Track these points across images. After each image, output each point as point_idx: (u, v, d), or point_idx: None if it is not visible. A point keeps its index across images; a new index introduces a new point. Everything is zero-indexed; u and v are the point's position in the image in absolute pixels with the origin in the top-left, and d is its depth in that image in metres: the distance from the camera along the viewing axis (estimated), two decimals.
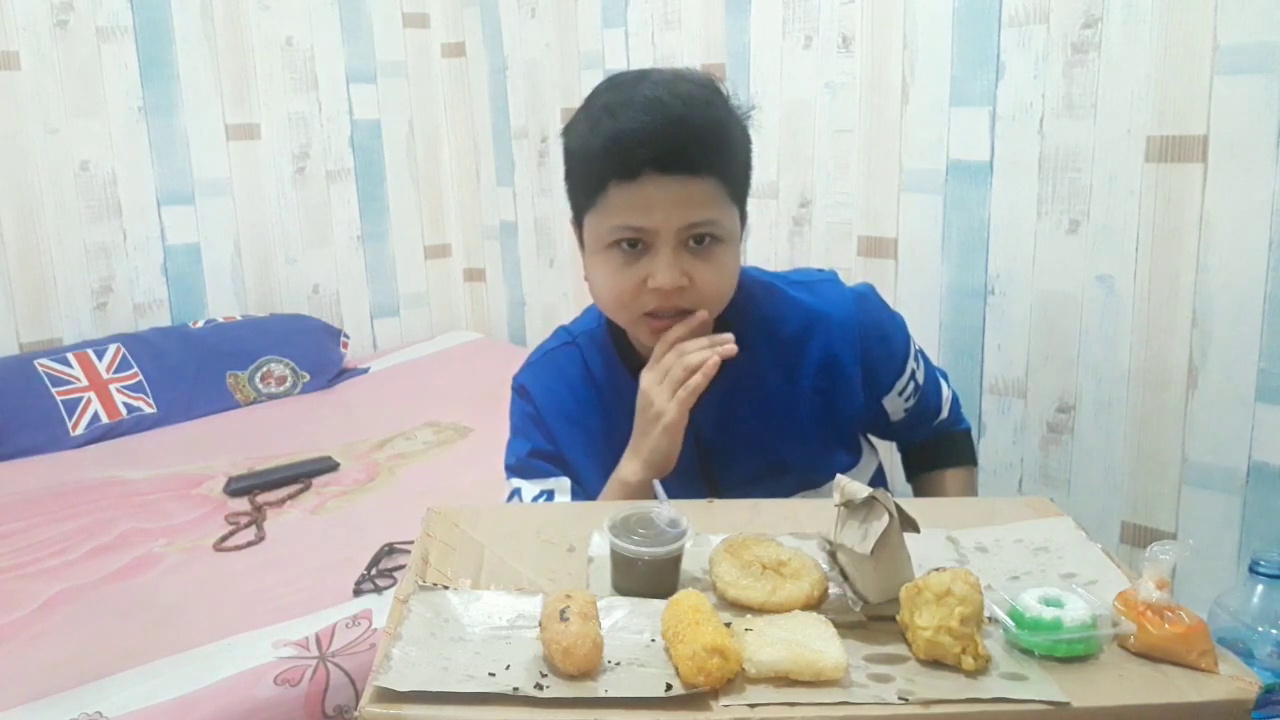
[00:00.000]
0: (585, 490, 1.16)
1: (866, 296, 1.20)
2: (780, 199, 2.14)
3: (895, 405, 1.23)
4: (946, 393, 1.30)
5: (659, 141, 1.01)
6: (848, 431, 1.20)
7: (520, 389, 1.22)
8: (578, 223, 1.12)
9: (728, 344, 1.05)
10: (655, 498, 0.92)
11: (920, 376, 1.24)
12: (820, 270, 1.24)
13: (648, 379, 1.06)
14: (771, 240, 2.17)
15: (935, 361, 1.95)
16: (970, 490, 1.30)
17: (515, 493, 1.17)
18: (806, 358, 1.15)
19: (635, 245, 1.05)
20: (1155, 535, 1.66)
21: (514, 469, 1.19)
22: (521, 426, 1.20)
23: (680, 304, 1.06)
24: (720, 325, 1.14)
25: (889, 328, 1.21)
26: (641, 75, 1.08)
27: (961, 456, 1.32)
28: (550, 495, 1.15)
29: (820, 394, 1.15)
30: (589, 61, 2.51)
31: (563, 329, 1.25)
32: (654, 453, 1.06)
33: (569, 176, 1.12)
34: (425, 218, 3.05)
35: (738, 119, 1.09)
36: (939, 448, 1.31)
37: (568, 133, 1.10)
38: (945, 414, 1.30)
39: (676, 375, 1.04)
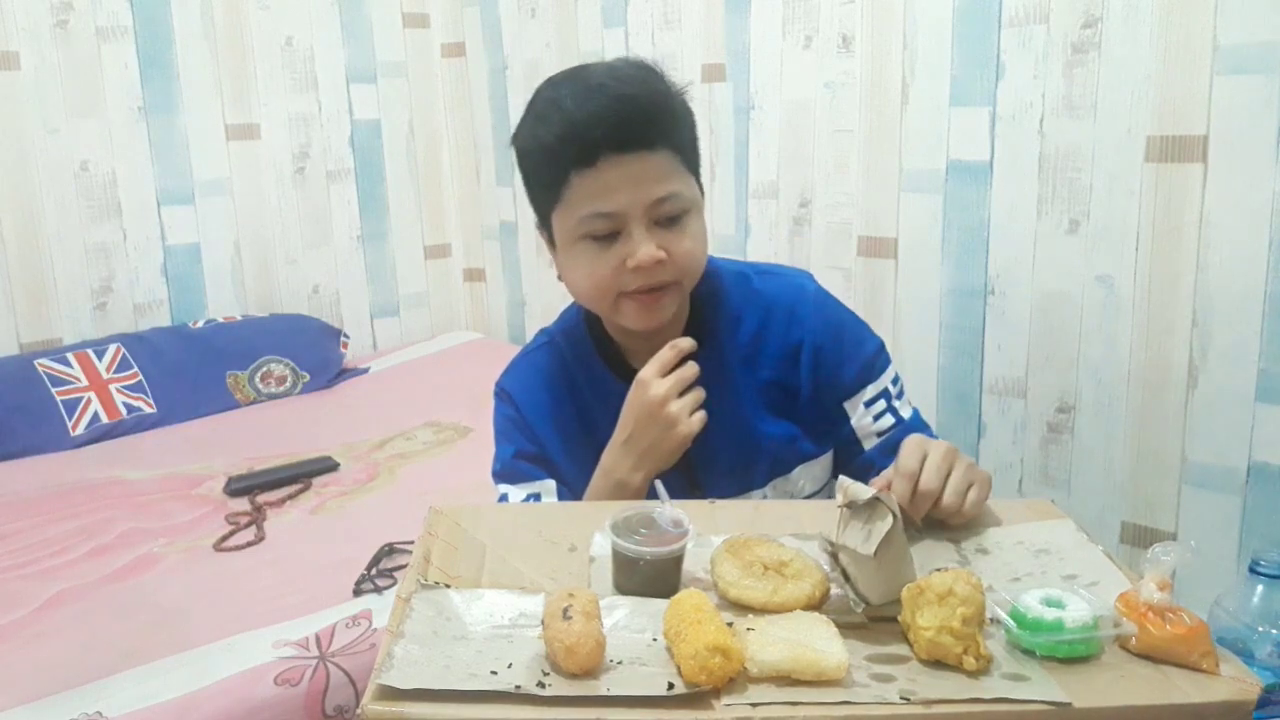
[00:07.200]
0: (570, 489, 1.16)
1: (830, 297, 1.21)
2: (780, 199, 2.14)
3: (863, 420, 1.16)
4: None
5: (611, 122, 1.02)
6: (816, 417, 1.18)
7: (501, 393, 1.22)
8: (545, 224, 1.12)
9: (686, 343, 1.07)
10: (655, 496, 0.92)
11: (900, 408, 1.18)
12: (797, 269, 1.24)
13: (659, 387, 1.05)
14: (772, 240, 2.17)
15: (935, 362, 1.96)
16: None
17: (502, 498, 1.17)
18: (766, 346, 1.16)
19: (607, 234, 1.05)
20: (1155, 535, 1.66)
21: (499, 474, 1.19)
22: (504, 430, 1.20)
23: (662, 278, 1.06)
24: (693, 314, 1.16)
25: (850, 327, 1.19)
26: (579, 69, 1.09)
27: None
28: (537, 498, 1.15)
29: (778, 384, 1.16)
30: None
31: (543, 330, 1.26)
32: (659, 457, 1.06)
33: (527, 179, 1.12)
34: (425, 218, 3.05)
35: (678, 92, 1.10)
36: None
37: (517, 137, 1.11)
38: None
39: (688, 390, 1.05)
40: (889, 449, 1.13)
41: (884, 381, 1.18)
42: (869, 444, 1.17)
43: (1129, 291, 1.64)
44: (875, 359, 1.18)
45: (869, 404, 1.17)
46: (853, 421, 1.17)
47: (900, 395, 1.19)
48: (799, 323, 1.16)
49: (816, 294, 1.19)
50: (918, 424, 1.19)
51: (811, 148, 2.06)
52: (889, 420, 1.17)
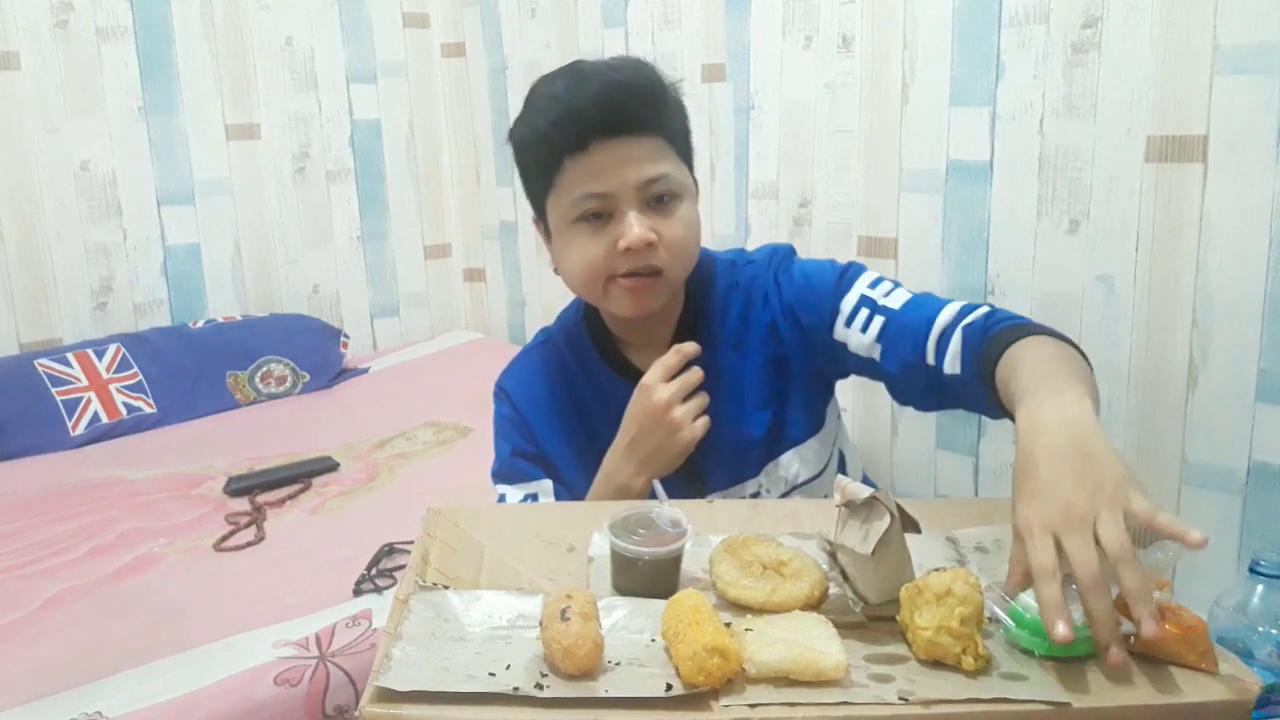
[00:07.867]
0: (568, 487, 1.16)
1: (775, 250, 1.21)
2: (780, 199, 2.14)
3: (856, 337, 1.10)
4: (954, 305, 1.05)
5: (603, 106, 1.04)
6: (806, 398, 1.19)
7: (499, 392, 1.23)
8: (541, 214, 1.14)
9: (690, 349, 1.08)
10: (653, 496, 0.92)
11: (888, 302, 1.09)
12: (772, 246, 1.24)
13: (662, 392, 1.06)
14: (772, 240, 2.16)
15: None
16: (1064, 355, 0.91)
17: (501, 499, 1.17)
18: (751, 330, 1.17)
19: (600, 215, 1.07)
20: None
21: (498, 474, 1.20)
22: (502, 429, 1.21)
23: (653, 261, 1.07)
24: (688, 304, 1.17)
25: (811, 272, 1.16)
26: (574, 64, 1.12)
27: (1028, 330, 0.96)
28: (534, 499, 1.16)
29: (769, 364, 1.17)
30: None
31: (542, 330, 1.27)
32: (662, 462, 1.06)
33: (524, 171, 1.14)
34: (425, 218, 3.05)
35: (670, 84, 1.12)
36: (985, 346, 0.97)
37: (514, 131, 1.13)
38: (964, 314, 1.03)
39: (692, 395, 1.07)
40: (892, 341, 1.07)
41: (858, 289, 1.12)
42: (877, 355, 1.08)
43: (1129, 291, 1.64)
44: (840, 279, 1.13)
45: (850, 320, 1.10)
46: (850, 347, 1.11)
47: (888, 293, 1.10)
48: (767, 300, 1.17)
49: (779, 265, 1.19)
50: (917, 306, 1.07)
51: (811, 148, 2.06)
52: (880, 320, 1.08)
